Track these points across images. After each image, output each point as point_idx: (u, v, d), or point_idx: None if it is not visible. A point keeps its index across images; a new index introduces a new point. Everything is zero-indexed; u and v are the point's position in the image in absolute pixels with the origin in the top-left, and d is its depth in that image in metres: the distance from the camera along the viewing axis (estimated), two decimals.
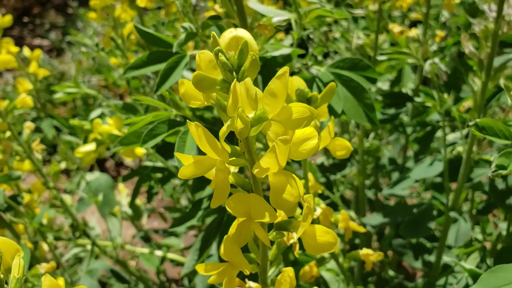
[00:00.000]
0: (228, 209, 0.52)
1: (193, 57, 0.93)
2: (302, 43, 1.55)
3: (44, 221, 1.49)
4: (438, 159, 1.14)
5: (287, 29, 1.06)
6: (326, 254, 1.00)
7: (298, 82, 0.73)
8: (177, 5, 0.85)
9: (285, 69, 0.49)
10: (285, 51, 0.88)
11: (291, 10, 1.02)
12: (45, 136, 1.84)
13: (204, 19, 0.99)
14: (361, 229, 0.93)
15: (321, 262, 0.99)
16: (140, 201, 1.93)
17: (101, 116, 1.26)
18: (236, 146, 0.53)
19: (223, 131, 0.48)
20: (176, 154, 0.52)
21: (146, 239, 1.88)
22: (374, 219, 1.32)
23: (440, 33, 1.46)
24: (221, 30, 0.97)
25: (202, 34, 0.89)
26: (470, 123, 0.71)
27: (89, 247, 1.51)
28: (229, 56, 0.49)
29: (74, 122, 1.14)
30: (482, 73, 1.17)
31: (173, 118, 0.80)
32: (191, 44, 1.33)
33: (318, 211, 0.84)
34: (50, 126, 1.69)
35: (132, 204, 1.31)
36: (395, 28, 1.24)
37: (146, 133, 0.76)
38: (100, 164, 3.05)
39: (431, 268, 1.44)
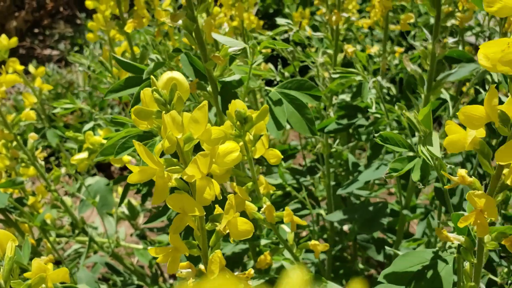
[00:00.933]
0: (168, 206, 0.70)
1: None
2: (278, 61, 1.72)
3: (48, 221, 1.68)
4: (384, 163, 1.31)
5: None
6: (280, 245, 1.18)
7: (239, 105, 0.90)
8: (147, 38, 1.03)
9: (204, 102, 0.66)
10: (236, 77, 1.06)
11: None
12: (50, 143, 2.04)
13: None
14: (303, 223, 1.10)
15: (274, 251, 1.16)
16: (136, 202, 2.13)
17: (95, 127, 1.45)
18: (173, 159, 0.71)
19: (158, 148, 0.66)
20: (127, 164, 0.70)
21: (142, 236, 2.07)
22: (336, 216, 1.49)
23: (399, 49, 1.62)
24: (188, 57, 1.15)
25: (169, 63, 1.08)
26: (376, 135, 0.88)
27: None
28: (162, 93, 0.67)
29: (69, 133, 1.33)
30: (424, 87, 1.34)
31: (142, 134, 0.98)
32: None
33: (264, 207, 1.01)
34: (53, 135, 1.89)
35: (120, 205, 1.50)
36: (349, 48, 1.41)
37: (119, 145, 0.94)
38: (105, 168, 3.26)
39: (391, 260, 1.60)
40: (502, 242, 0.77)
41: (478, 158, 0.72)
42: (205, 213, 0.71)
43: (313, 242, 1.17)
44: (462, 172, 0.76)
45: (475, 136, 0.70)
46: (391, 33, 3.10)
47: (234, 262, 1.49)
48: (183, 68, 1.15)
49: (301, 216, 1.66)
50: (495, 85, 0.63)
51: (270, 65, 1.81)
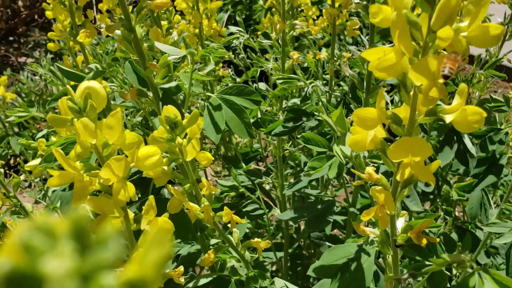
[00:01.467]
0: (89, 207, 0.74)
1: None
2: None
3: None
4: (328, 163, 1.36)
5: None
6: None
7: (170, 110, 0.95)
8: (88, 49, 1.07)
9: (118, 109, 0.71)
10: (173, 84, 1.11)
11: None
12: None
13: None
14: (242, 221, 1.15)
15: (218, 249, 1.21)
16: None
17: (49, 134, 1.49)
18: (92, 164, 0.75)
19: (72, 154, 0.70)
20: (48, 170, 0.75)
21: None
22: (286, 215, 1.54)
23: (346, 54, 1.68)
24: (132, 65, 1.20)
25: (109, 71, 1.12)
26: (299, 136, 0.93)
27: None
28: (77, 102, 0.71)
29: (22, 141, 1.37)
30: (363, 91, 1.39)
31: None
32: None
33: (202, 206, 1.06)
34: (17, 143, 1.92)
35: None
36: (294, 55, 1.46)
37: None
38: None
39: None
40: (408, 234, 0.82)
41: (381, 157, 0.78)
42: (124, 214, 0.76)
43: (255, 240, 1.22)
44: (369, 169, 0.82)
45: (375, 136, 0.75)
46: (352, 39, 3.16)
47: (189, 262, 1.53)
48: (127, 75, 1.19)
49: (257, 216, 1.72)
50: (384, 89, 0.69)
51: (229, 70, 1.87)
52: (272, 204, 1.88)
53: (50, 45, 1.88)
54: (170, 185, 1.02)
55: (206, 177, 2.40)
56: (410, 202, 1.52)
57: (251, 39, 1.69)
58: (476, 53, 1.80)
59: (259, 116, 1.73)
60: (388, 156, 0.70)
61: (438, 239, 0.83)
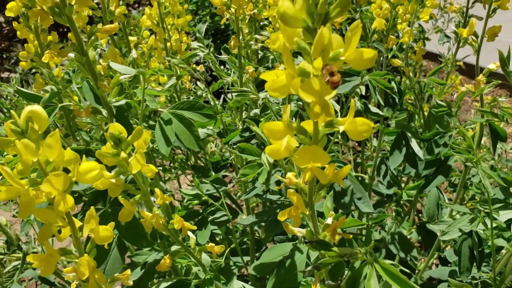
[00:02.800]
0: (37, 218, 0.83)
1: (62, 107, 1.25)
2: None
3: None
4: (279, 169, 1.46)
5: None
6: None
7: (116, 127, 1.04)
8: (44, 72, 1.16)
9: (56, 131, 0.80)
10: (122, 102, 1.20)
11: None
12: None
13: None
14: (192, 227, 1.24)
15: (173, 254, 1.30)
16: None
17: None
18: (37, 179, 0.84)
19: (14, 171, 0.79)
20: None
21: None
22: (248, 220, 1.63)
23: None
24: (89, 85, 1.29)
25: (65, 92, 1.21)
26: (234, 146, 1.02)
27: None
28: (20, 124, 0.80)
29: None
30: None
31: None
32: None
33: (151, 216, 1.14)
34: None
35: None
36: (250, 69, 1.56)
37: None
38: None
39: None
40: (325, 232, 0.91)
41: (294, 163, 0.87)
42: (67, 223, 0.85)
43: (210, 244, 1.31)
44: (289, 175, 0.91)
45: (289, 145, 0.84)
46: None
47: (155, 269, 1.61)
48: (84, 94, 1.28)
49: (224, 222, 1.81)
50: (289, 105, 0.78)
51: (200, 84, 1.96)
52: (239, 210, 1.97)
53: (22, 64, 1.97)
54: (120, 196, 1.11)
55: (180, 186, 2.48)
56: (361, 204, 1.61)
57: (211, 54, 1.79)
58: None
59: (222, 127, 1.83)
60: (294, 162, 0.79)
61: (350, 236, 0.92)
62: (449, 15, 4.27)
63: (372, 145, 2.40)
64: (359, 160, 2.43)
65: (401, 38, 1.79)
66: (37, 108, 0.84)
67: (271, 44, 0.75)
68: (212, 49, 1.95)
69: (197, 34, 1.78)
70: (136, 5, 5.05)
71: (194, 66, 2.40)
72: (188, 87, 2.04)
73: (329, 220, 0.99)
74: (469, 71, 2.57)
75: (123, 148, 1.03)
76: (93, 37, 1.19)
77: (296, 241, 1.08)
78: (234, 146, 1.72)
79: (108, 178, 1.04)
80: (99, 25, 1.14)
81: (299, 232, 0.98)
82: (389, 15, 1.58)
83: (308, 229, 0.98)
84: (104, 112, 1.25)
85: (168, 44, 2.17)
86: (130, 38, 2.18)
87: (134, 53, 1.56)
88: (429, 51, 4.66)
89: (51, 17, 1.12)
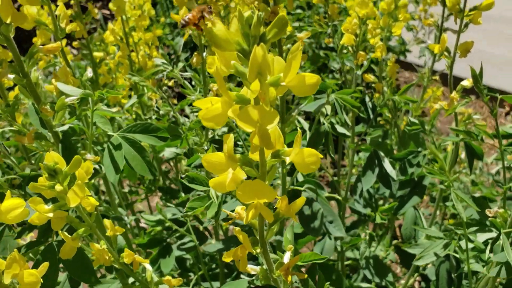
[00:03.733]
0: None
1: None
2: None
3: None
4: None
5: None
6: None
7: (52, 157, 0.94)
8: None
9: None
10: (65, 127, 1.11)
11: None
12: None
13: None
14: (145, 261, 1.14)
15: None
16: None
17: None
18: None
19: None
20: None
21: None
22: (214, 247, 1.54)
23: None
24: (34, 107, 1.19)
25: (6, 116, 1.12)
26: (183, 176, 0.94)
27: None
28: None
29: None
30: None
31: None
32: None
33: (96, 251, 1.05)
34: None
35: None
36: (214, 87, 1.48)
37: None
38: None
39: None
40: (279, 271, 0.83)
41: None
42: None
43: (167, 277, 1.22)
44: (238, 209, 0.82)
45: (236, 176, 0.76)
46: None
47: None
48: (30, 118, 1.19)
49: (191, 248, 1.71)
50: (232, 133, 0.70)
51: (156, 101, 1.88)
52: (208, 234, 1.88)
53: None
54: (61, 231, 1.01)
55: (151, 210, 2.38)
56: (333, 228, 1.53)
57: (175, 71, 1.71)
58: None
59: (188, 147, 1.74)
60: (238, 198, 0.70)
61: (305, 275, 0.83)
62: (429, 27, 4.24)
63: (350, 159, 2.33)
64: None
65: (373, 54, 1.72)
66: None
67: (208, 68, 0.68)
68: (180, 64, 1.86)
69: (160, 51, 1.70)
70: (111, 17, 4.96)
71: (166, 81, 2.32)
72: (154, 105, 1.96)
73: (286, 257, 0.91)
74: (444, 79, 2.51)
75: (60, 180, 0.94)
76: (34, 57, 1.10)
77: (253, 278, 0.99)
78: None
79: (44, 212, 0.94)
80: (38, 44, 1.06)
81: (252, 269, 0.90)
82: (358, 30, 1.52)
83: (263, 267, 0.90)
84: (50, 136, 1.15)
85: (136, 59, 2.09)
86: (96, 54, 2.09)
87: (89, 72, 1.47)
88: (411, 62, 4.63)
89: None
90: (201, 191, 0.92)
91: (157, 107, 1.65)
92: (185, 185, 2.06)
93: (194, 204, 0.89)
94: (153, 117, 1.64)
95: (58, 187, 0.93)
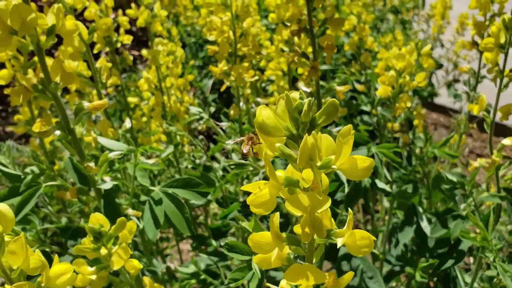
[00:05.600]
0: None
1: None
2: None
3: None
4: None
5: None
6: None
7: (97, 218, 0.94)
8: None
9: (21, 235, 0.71)
10: (109, 185, 1.11)
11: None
12: None
13: None
14: None
15: None
16: None
17: None
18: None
19: None
20: None
21: None
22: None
23: None
24: (72, 163, 1.20)
25: (49, 172, 1.13)
26: (222, 244, 0.92)
27: None
28: None
29: None
30: None
31: None
32: None
33: None
34: None
35: None
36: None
37: None
38: None
39: None
40: None
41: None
42: None
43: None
44: (283, 283, 0.80)
45: (281, 253, 0.74)
46: None
47: None
48: (69, 173, 1.19)
49: None
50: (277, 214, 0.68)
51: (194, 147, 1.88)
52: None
53: (16, 129, 1.91)
54: None
55: (181, 255, 2.36)
56: (373, 284, 1.49)
57: (211, 120, 1.72)
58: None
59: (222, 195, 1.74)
60: (285, 278, 0.69)
61: None
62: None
63: (383, 206, 2.28)
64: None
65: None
66: (2, 207, 0.76)
67: (259, 155, 0.69)
68: (212, 110, 1.87)
69: (196, 101, 1.72)
70: (139, 58, 5.06)
71: (197, 125, 2.34)
72: (187, 151, 1.97)
73: None
74: (481, 124, 2.46)
75: (104, 242, 0.94)
76: (80, 114, 1.12)
77: None
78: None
79: (87, 274, 0.94)
80: (86, 101, 1.08)
81: None
82: (395, 84, 1.51)
83: None
84: (92, 192, 1.16)
85: (168, 105, 2.11)
86: (130, 99, 2.13)
87: (128, 123, 1.49)
88: (440, 105, 4.59)
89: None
90: (241, 260, 0.90)
91: (192, 156, 1.66)
92: (215, 231, 2.05)
93: (236, 276, 0.87)
94: (189, 166, 1.64)
95: (103, 251, 0.93)
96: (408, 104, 1.69)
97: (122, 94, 1.91)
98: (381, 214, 2.32)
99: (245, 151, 0.79)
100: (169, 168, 2.00)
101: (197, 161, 1.64)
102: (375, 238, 0.65)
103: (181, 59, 2.06)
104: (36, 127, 1.50)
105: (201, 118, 1.70)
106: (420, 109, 2.06)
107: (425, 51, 2.06)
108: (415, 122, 1.85)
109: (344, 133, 0.61)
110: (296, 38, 1.39)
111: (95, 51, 1.75)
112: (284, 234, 0.69)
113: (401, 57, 1.54)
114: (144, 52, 1.95)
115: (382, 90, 1.56)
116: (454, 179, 1.45)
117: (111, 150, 1.17)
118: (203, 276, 1.54)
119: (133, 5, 1.69)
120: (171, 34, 2.08)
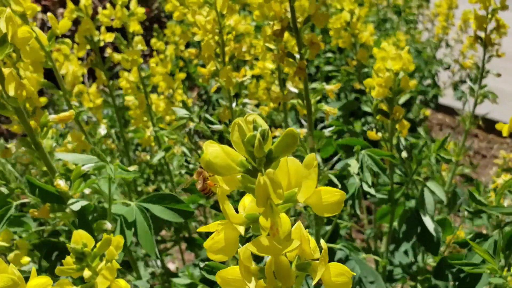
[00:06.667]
0: None
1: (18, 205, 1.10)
2: None
3: None
4: None
5: None
6: None
7: (81, 236, 0.87)
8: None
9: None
10: (77, 206, 1.04)
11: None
12: None
13: None
14: None
15: None
16: None
17: None
18: None
19: None
20: None
21: None
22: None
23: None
24: (33, 182, 1.11)
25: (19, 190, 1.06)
26: (201, 265, 0.84)
27: None
28: None
29: None
30: None
31: None
32: None
33: None
34: None
35: None
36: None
37: None
38: None
39: None
40: None
41: None
42: None
43: None
44: None
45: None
46: None
47: None
48: (29, 193, 1.10)
49: None
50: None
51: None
52: None
53: (12, 128, 1.85)
54: None
55: (182, 255, 2.31)
56: None
57: (202, 124, 1.64)
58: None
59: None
60: None
61: None
62: (466, 70, 4.04)
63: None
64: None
65: None
66: None
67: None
68: (202, 114, 1.78)
69: (192, 100, 1.63)
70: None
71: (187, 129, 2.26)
72: (176, 152, 1.88)
73: None
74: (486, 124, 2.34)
75: (88, 262, 0.87)
76: (48, 125, 1.04)
77: None
78: None
79: None
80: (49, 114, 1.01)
81: None
82: (393, 85, 1.41)
83: None
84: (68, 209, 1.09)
85: (153, 106, 2.02)
86: (128, 98, 2.04)
87: (103, 129, 1.41)
88: (444, 105, 4.46)
89: None
90: None
91: (186, 161, 1.57)
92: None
93: None
94: (183, 171, 1.57)
95: (87, 273, 0.85)
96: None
97: (111, 95, 1.83)
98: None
99: (200, 189, 0.73)
100: (157, 176, 1.93)
101: (191, 166, 1.56)
102: (354, 274, 0.57)
103: (171, 58, 1.97)
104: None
105: (192, 120, 1.62)
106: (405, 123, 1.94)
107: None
108: (400, 128, 1.72)
109: (308, 164, 0.53)
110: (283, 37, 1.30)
111: (79, 55, 1.65)
112: (254, 268, 0.61)
113: (398, 58, 1.44)
114: (125, 55, 1.79)
115: (378, 91, 1.45)
116: (484, 202, 1.27)
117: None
118: (200, 287, 1.48)
119: (108, 4, 1.60)
120: (158, 33, 1.99)
